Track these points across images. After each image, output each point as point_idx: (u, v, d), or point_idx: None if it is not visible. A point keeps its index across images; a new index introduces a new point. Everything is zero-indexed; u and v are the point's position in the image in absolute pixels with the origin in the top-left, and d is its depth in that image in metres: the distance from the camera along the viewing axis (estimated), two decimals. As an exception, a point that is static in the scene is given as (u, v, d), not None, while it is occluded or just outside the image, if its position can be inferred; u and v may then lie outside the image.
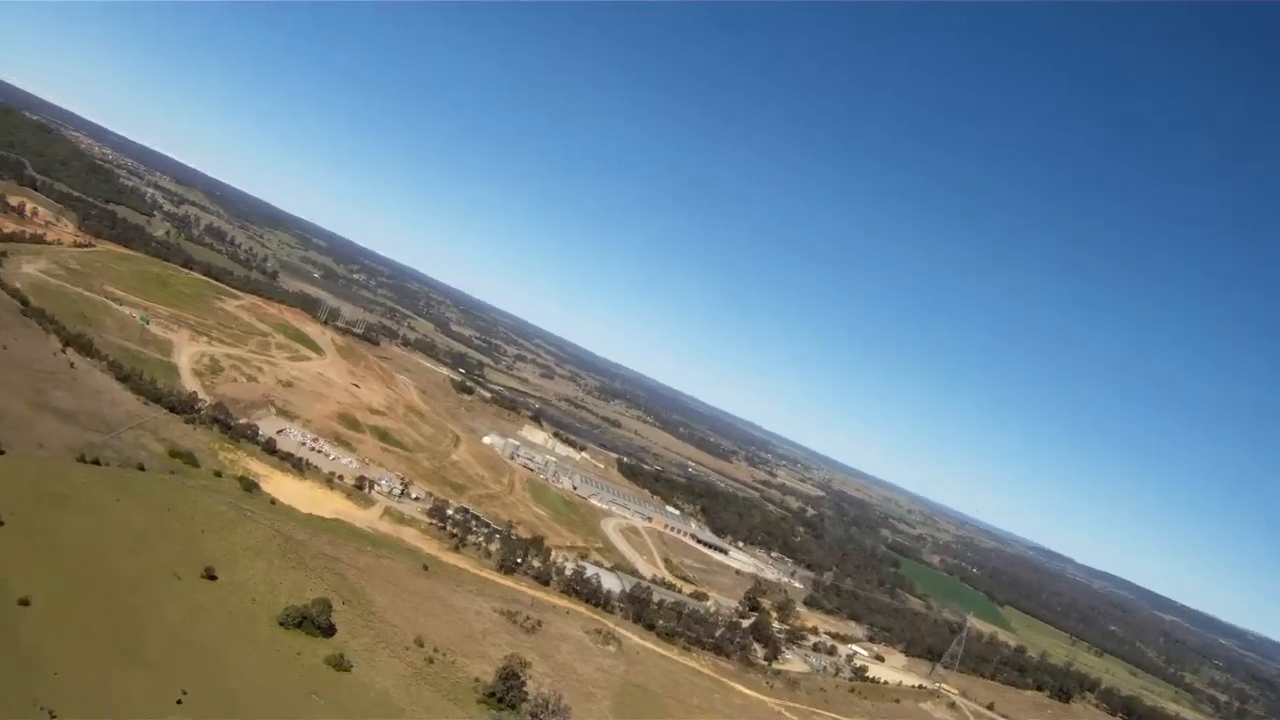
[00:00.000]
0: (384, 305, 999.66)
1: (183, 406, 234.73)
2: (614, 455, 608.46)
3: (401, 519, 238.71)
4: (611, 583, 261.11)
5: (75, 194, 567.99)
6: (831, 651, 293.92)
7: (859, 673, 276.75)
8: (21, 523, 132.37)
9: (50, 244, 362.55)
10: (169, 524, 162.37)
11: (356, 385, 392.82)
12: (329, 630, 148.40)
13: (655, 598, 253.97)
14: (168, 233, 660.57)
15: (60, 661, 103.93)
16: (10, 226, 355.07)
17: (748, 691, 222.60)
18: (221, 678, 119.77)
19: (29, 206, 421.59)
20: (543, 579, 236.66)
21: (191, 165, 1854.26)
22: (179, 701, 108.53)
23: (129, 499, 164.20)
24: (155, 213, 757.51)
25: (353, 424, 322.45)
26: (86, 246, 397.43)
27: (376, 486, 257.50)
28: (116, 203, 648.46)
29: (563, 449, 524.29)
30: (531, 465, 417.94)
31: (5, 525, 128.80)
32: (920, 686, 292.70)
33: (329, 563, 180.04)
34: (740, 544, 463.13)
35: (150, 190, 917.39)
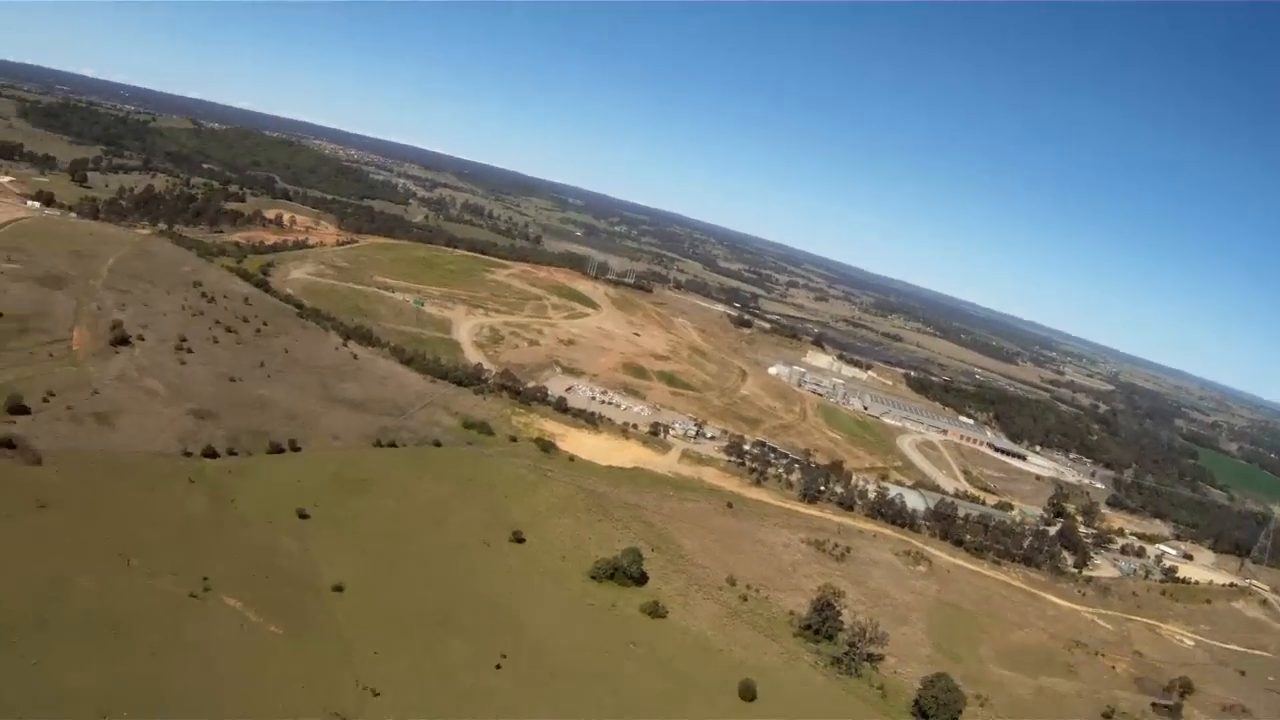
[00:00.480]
0: (650, 252, 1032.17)
1: (470, 379, 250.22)
2: (900, 370, 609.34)
3: (699, 460, 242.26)
4: (915, 501, 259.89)
5: (329, 197, 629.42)
6: (1140, 553, 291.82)
7: (1169, 574, 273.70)
8: (327, 513, 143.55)
9: (313, 247, 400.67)
10: (472, 493, 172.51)
11: (636, 334, 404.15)
12: (641, 579, 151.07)
13: (960, 512, 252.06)
14: (426, 217, 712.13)
15: (379, 641, 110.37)
16: (272, 238, 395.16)
17: (1060, 602, 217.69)
18: (538, 637, 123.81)
19: (286, 216, 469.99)
20: (846, 504, 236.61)
21: (436, 150, 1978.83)
22: (498, 666, 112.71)
23: (429, 475, 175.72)
24: (410, 200, 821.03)
25: (639, 372, 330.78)
26: (349, 244, 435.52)
27: (671, 430, 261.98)
28: (370, 198, 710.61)
29: (848, 370, 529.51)
30: (819, 390, 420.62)
31: (311, 518, 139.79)
32: (1230, 585, 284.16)
33: (633, 512, 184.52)
34: (1037, 448, 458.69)
35: (401, 180, 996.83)
